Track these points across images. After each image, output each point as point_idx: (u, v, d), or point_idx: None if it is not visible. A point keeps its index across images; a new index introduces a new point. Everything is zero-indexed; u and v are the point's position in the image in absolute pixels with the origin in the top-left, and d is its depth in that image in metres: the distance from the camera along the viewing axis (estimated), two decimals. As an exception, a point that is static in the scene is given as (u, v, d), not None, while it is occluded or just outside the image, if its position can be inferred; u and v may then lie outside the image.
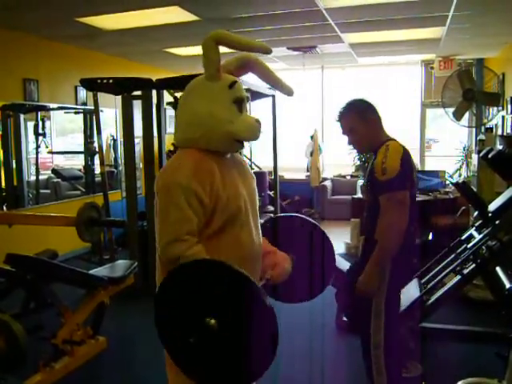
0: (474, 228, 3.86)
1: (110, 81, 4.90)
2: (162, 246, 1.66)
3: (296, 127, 9.74)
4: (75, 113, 7.09)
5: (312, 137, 8.93)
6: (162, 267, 1.75)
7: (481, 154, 4.13)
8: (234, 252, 1.71)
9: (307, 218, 2.23)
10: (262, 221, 2.19)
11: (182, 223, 1.62)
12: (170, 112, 6.34)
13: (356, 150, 2.73)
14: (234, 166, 1.82)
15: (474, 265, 3.45)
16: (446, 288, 3.58)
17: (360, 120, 2.55)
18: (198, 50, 6.93)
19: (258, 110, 6.59)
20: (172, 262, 1.63)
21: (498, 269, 3.41)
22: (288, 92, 1.96)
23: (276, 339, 1.46)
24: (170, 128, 6.88)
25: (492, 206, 3.72)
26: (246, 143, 1.89)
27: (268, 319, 1.45)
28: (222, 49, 1.69)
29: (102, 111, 5.33)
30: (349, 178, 9.08)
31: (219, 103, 1.69)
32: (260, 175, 7.60)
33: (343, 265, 3.90)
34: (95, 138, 5.85)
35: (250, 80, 5.00)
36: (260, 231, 1.90)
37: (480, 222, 3.80)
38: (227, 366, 1.52)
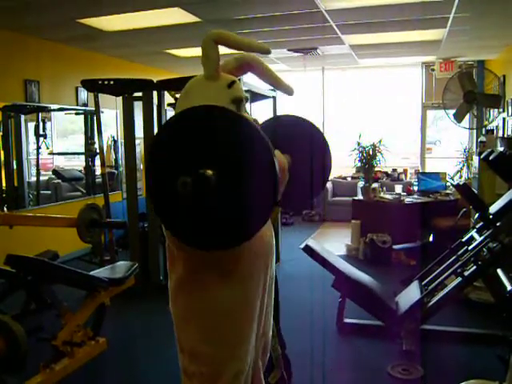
0: (474, 230, 3.86)
1: (111, 82, 4.90)
2: None
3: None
4: (76, 114, 7.09)
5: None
6: (171, 258, 1.76)
7: (482, 156, 4.13)
8: (249, 249, 1.68)
9: (307, 120, 2.15)
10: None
11: None
12: (170, 113, 6.33)
13: None
14: None
15: (474, 267, 3.44)
16: (446, 290, 3.57)
17: None
18: (198, 51, 6.92)
19: (258, 111, 6.59)
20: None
21: (499, 271, 3.40)
22: (288, 91, 1.96)
23: (276, 186, 1.41)
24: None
25: (493, 208, 3.71)
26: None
27: (267, 161, 1.39)
28: (222, 49, 1.69)
29: (102, 112, 5.33)
30: (349, 179, 9.09)
31: (218, 103, 1.65)
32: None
33: (346, 268, 3.90)
34: (96, 139, 5.85)
35: (251, 81, 5.00)
36: (271, 224, 1.88)
37: (481, 223, 3.80)
38: (223, 220, 1.45)
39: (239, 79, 1.81)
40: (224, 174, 1.40)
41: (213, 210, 1.44)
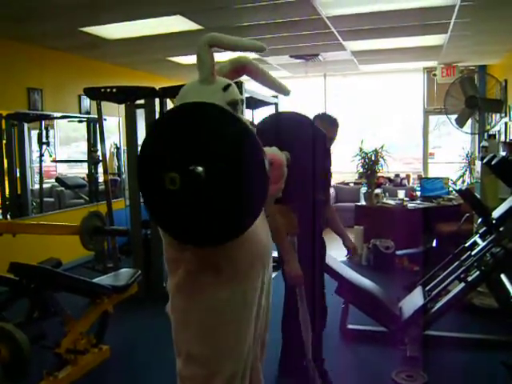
0: (477, 235, 3.85)
1: (114, 90, 4.91)
2: None
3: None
4: (79, 121, 7.12)
5: (315, 144, 8.91)
6: (169, 261, 1.77)
7: (484, 161, 4.13)
8: (245, 251, 1.70)
9: (305, 116, 2.14)
10: None
11: None
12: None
13: None
14: None
15: (478, 272, 3.44)
16: (450, 295, 3.57)
17: None
18: (200, 58, 6.97)
19: (260, 117, 6.60)
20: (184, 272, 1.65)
21: (502, 276, 3.40)
22: (284, 92, 1.97)
23: (267, 184, 1.43)
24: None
25: (496, 213, 3.71)
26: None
27: (258, 159, 1.41)
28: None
29: (105, 120, 5.35)
30: (352, 185, 9.08)
31: None
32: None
33: (349, 274, 3.89)
34: (99, 147, 5.88)
35: (253, 88, 5.01)
36: (268, 227, 1.89)
37: (484, 228, 3.79)
38: (214, 216, 1.46)
39: (239, 82, 1.81)
40: (213, 170, 1.41)
41: (203, 205, 1.45)
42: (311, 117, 2.99)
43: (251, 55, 6.47)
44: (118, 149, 7.51)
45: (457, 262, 3.83)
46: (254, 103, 5.70)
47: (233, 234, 1.52)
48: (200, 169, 1.39)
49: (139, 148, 1.52)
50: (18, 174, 5.98)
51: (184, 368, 1.76)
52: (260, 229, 1.78)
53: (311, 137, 2.03)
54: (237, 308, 1.72)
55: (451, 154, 8.94)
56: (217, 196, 1.44)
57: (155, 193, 1.48)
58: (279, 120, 2.19)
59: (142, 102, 5.00)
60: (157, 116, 4.99)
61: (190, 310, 1.72)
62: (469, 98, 6.80)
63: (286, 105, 6.06)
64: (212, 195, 1.43)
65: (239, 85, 4.32)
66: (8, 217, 5.78)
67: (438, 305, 3.54)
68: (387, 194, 7.12)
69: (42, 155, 6.40)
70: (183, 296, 1.73)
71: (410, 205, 6.50)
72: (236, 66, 1.83)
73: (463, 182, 7.97)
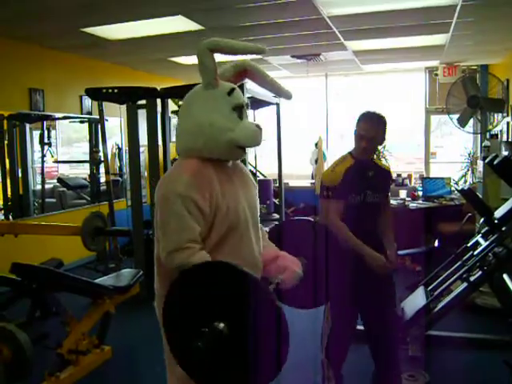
0: (480, 235, 3.84)
1: (115, 90, 4.92)
2: (164, 256, 1.66)
3: (300, 135, 9.74)
4: (80, 122, 7.13)
5: (316, 144, 8.92)
6: (160, 275, 1.77)
7: (486, 161, 4.12)
8: (237, 259, 1.70)
9: (315, 221, 2.23)
10: (267, 229, 2.17)
11: (183, 232, 1.61)
12: (174, 120, 6.36)
13: (366, 153, 2.93)
14: (234, 174, 1.81)
15: (480, 272, 3.43)
16: (452, 295, 3.56)
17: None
18: (202, 58, 6.98)
19: (262, 117, 6.60)
20: (176, 270, 1.62)
21: (505, 276, 3.39)
22: (286, 95, 1.97)
23: (287, 340, 1.45)
24: (175, 136, 6.91)
25: (498, 213, 3.70)
26: (250, 149, 1.89)
27: (277, 318, 1.43)
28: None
29: (107, 120, 5.36)
30: (354, 185, 9.07)
31: (219, 111, 1.69)
32: (265, 183, 7.61)
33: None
34: (100, 147, 5.88)
35: (254, 88, 5.01)
36: (260, 241, 1.88)
37: (486, 228, 3.78)
38: (238, 370, 1.49)
39: (243, 84, 1.83)
40: (234, 327, 1.45)
41: (226, 360, 1.48)
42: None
43: (252, 56, 6.47)
44: (119, 149, 7.51)
45: (459, 262, 3.82)
46: (256, 103, 5.70)
47: None
48: (222, 325, 1.43)
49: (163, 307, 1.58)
50: (20, 175, 5.99)
51: (171, 368, 1.77)
52: (247, 248, 1.78)
53: (324, 241, 2.09)
54: None
55: (453, 154, 8.91)
56: (239, 351, 1.47)
57: (182, 345, 1.54)
58: (289, 227, 2.32)
59: (143, 102, 5.01)
60: (158, 116, 5.00)
61: None
62: (470, 97, 6.78)
63: (288, 106, 6.07)
64: (234, 350, 1.47)
65: (241, 86, 4.32)
66: (10, 217, 5.79)
67: (441, 305, 3.54)
68: (389, 194, 7.10)
69: (43, 156, 6.41)
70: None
71: (412, 205, 6.50)
72: (239, 70, 1.84)
73: (465, 181, 7.96)
